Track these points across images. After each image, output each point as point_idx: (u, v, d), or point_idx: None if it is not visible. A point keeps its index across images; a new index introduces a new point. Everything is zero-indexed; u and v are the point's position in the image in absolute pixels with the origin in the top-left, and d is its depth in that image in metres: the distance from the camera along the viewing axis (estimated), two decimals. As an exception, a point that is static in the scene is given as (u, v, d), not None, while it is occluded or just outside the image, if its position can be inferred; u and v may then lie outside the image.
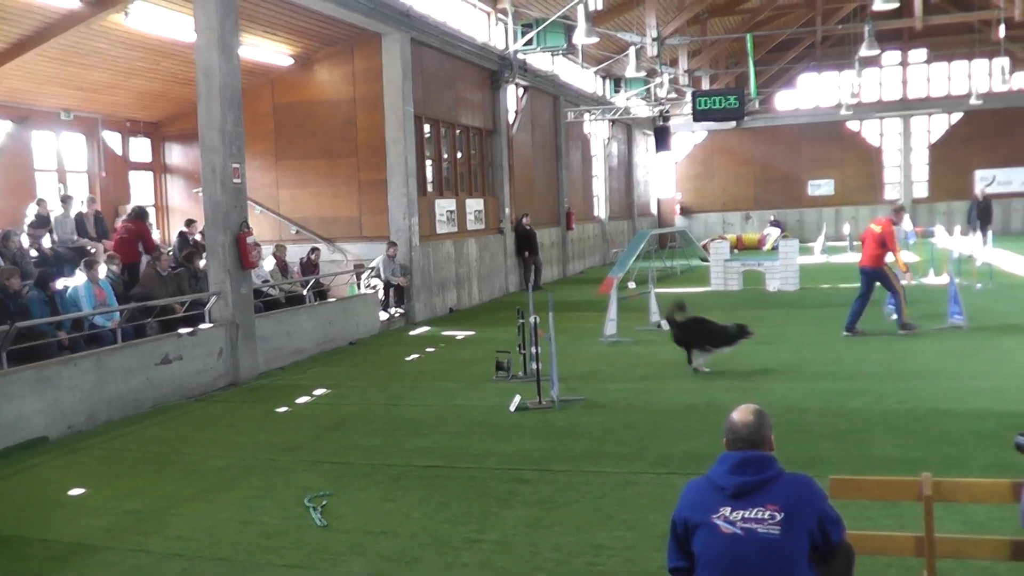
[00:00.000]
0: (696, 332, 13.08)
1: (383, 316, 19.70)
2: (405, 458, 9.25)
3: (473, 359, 15.12)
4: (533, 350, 11.90)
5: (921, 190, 47.78)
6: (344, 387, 13.46)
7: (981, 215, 29.98)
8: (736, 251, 36.47)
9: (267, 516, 7.69)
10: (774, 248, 30.11)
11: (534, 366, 11.75)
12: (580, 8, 22.54)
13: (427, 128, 22.33)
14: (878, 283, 15.95)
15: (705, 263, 28.56)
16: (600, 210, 38.79)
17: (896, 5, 23.16)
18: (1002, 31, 38.07)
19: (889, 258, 15.68)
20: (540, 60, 28.81)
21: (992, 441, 8.98)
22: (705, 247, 30.99)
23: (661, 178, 49.68)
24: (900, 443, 9.12)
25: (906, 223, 37.52)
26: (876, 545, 5.72)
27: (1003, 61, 41.36)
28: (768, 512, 4.02)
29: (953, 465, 8.18)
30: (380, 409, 11.75)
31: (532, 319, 11.92)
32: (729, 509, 4.06)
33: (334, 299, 18.84)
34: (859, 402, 10.94)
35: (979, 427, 9.53)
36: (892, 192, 47.56)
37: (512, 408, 11.15)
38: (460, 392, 12.58)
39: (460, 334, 18.68)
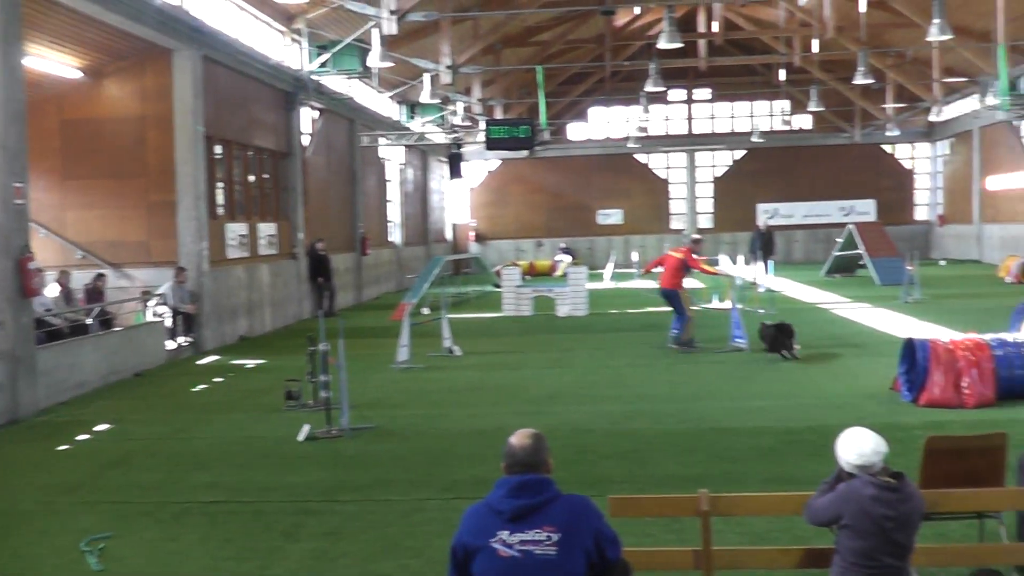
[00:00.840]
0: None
1: (171, 345, 19.00)
2: (189, 494, 8.97)
3: (263, 388, 14.82)
4: (323, 378, 11.77)
5: (706, 221, 50.00)
6: (128, 421, 12.90)
7: (764, 245, 31.57)
8: (528, 277, 37.12)
9: (42, 565, 7.29)
10: (565, 275, 30.81)
11: (324, 394, 11.62)
12: (375, 32, 22.52)
13: (219, 149, 21.81)
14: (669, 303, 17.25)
15: (498, 289, 28.92)
16: (395, 236, 38.77)
17: (680, 45, 24.14)
18: (783, 75, 40.35)
19: (686, 283, 17.21)
20: (336, 83, 28.63)
21: (770, 457, 9.49)
22: (498, 273, 31.40)
23: (456, 205, 50.16)
24: (682, 461, 9.50)
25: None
26: (656, 560, 5.94)
27: (784, 103, 43.94)
28: (545, 534, 4.10)
29: (733, 480, 8.59)
30: (164, 443, 11.36)
31: (322, 346, 11.80)
32: (507, 533, 4.13)
33: (120, 328, 18.01)
34: (642, 423, 11.34)
35: (757, 444, 10.05)
36: (678, 222, 49.53)
37: (301, 438, 10.98)
38: (248, 423, 12.31)
39: (250, 363, 18.27)
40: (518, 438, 4.39)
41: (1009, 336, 12.47)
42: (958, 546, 6.36)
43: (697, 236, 19.05)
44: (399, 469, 9.57)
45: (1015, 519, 6.46)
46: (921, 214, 50.17)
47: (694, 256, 17.59)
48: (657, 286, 17.84)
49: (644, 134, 47.58)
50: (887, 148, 49.48)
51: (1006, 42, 28.05)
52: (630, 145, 47.43)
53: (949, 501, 5.72)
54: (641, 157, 49.81)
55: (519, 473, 4.27)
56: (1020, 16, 31.18)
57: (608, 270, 38.36)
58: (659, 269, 18.27)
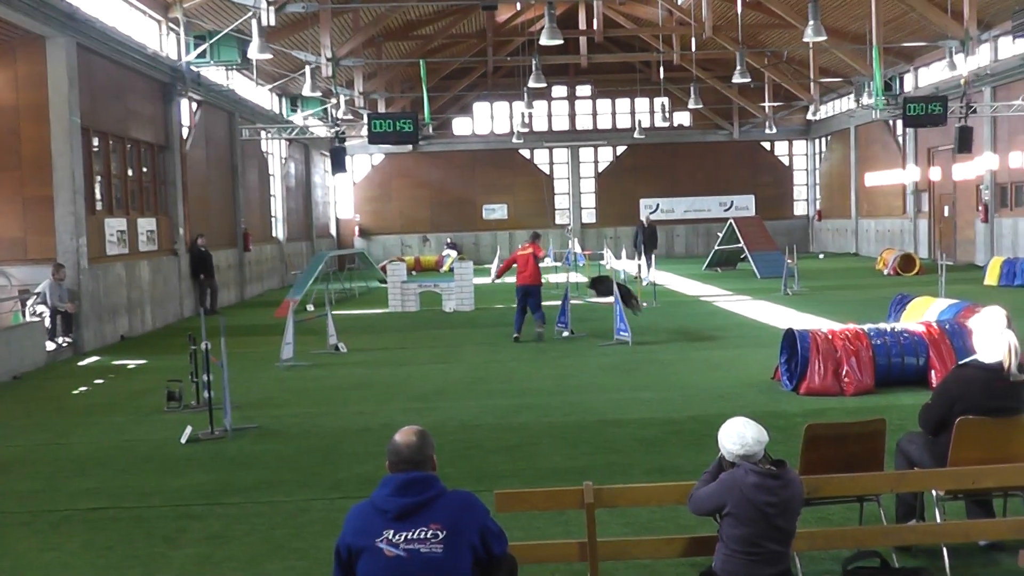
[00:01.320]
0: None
1: (50, 346, 18.34)
2: (68, 502, 8.69)
3: (145, 389, 14.45)
4: (205, 378, 11.55)
5: (590, 216, 50.52)
6: (5, 427, 12.37)
7: (647, 240, 32.08)
8: (414, 273, 37.03)
9: (-93, 578, 7.00)
10: (451, 270, 30.82)
11: (206, 395, 11.40)
12: (254, 23, 22.17)
13: (96, 141, 21.21)
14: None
15: (384, 284, 28.79)
16: (279, 231, 38.24)
17: (560, 42, 24.33)
18: (662, 72, 41.05)
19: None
20: (215, 74, 28.09)
21: (654, 447, 9.66)
22: (383, 269, 31.24)
23: (340, 199, 49.72)
24: (568, 454, 9.60)
25: (575, 246, 39.51)
26: (542, 554, 6.00)
27: (663, 100, 44.73)
28: (431, 531, 4.11)
29: (618, 472, 8.72)
30: (43, 449, 10.96)
31: (204, 345, 11.57)
32: (392, 532, 4.12)
33: (-5, 328, 17.39)
34: (528, 416, 11.42)
35: (642, 435, 10.22)
36: (562, 217, 49.94)
37: (183, 440, 10.75)
38: (129, 426, 11.98)
39: (132, 363, 17.81)
40: (403, 435, 4.38)
41: (887, 326, 12.92)
42: (839, 529, 6.58)
43: (537, 232, 20.37)
44: (284, 469, 9.45)
45: (894, 501, 6.71)
46: (800, 209, 51.59)
47: (540, 248, 19.30)
48: (519, 284, 18.44)
49: (527, 129, 47.84)
50: (766, 145, 50.71)
51: (880, 44, 28.97)
52: (514, 140, 47.66)
53: (830, 486, 5.88)
54: (525, 152, 50.07)
55: (404, 471, 4.27)
56: (893, 19, 32.34)
57: (494, 265, 38.48)
58: (510, 270, 19.54)
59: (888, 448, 6.43)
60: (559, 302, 19.63)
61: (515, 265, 18.74)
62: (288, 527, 7.63)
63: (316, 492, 8.57)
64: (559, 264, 35.14)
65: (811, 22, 23.92)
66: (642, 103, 49.84)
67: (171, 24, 25.52)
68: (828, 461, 6.02)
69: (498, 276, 21.40)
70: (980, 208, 33.22)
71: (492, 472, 8.92)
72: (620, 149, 50.31)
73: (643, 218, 34.36)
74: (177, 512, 8.18)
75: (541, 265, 18.94)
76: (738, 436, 5.20)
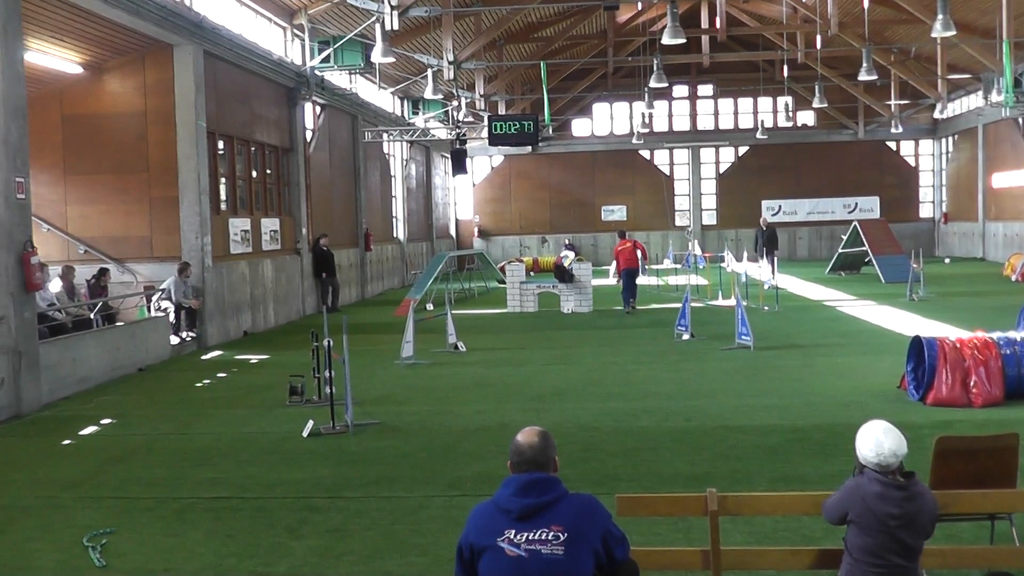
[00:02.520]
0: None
1: (174, 340, 18.92)
2: (191, 490, 8.90)
3: (266, 384, 14.76)
4: (327, 373, 11.71)
5: (710, 217, 49.89)
6: (131, 417, 12.83)
7: (767, 242, 31.54)
8: (533, 274, 37.08)
9: (43, 560, 7.21)
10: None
11: (328, 390, 11.56)
12: (377, 27, 22.48)
13: (221, 144, 21.76)
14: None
15: (503, 285, 28.87)
16: (399, 231, 38.74)
17: (683, 41, 24.08)
18: (785, 71, 40.33)
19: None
20: (338, 78, 28.59)
21: (777, 456, 9.42)
22: (502, 269, 31.34)
23: (460, 200, 50.11)
24: (688, 459, 9.43)
25: (695, 248, 39.10)
26: (664, 560, 5.88)
27: (787, 99, 43.93)
28: (552, 533, 4.05)
29: (739, 479, 8.53)
30: (167, 439, 11.29)
31: (326, 342, 11.73)
32: (514, 532, 4.08)
33: (123, 323, 17.96)
34: (648, 420, 11.27)
35: (764, 442, 9.98)
36: (682, 219, 49.43)
37: (305, 434, 10.93)
38: (252, 419, 12.24)
39: (254, 358, 18.23)
40: (525, 436, 4.33)
41: (1017, 335, 12.39)
42: (969, 547, 6.27)
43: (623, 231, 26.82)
44: (404, 466, 9.51)
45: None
46: (925, 211, 50.04)
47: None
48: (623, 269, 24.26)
49: (648, 130, 47.43)
50: (891, 145, 49.35)
51: (1010, 39, 27.92)
52: (634, 141, 47.34)
53: (960, 502, 5.63)
54: (645, 153, 49.70)
55: (526, 471, 4.22)
56: (1024, 13, 31.11)
57: (612, 267, 38.25)
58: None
59: (1021, 464, 6.14)
60: (679, 304, 19.38)
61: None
62: (408, 523, 7.66)
63: (436, 489, 8.59)
64: (679, 266, 34.71)
65: (940, 16, 23.15)
66: (765, 102, 49.00)
67: (296, 30, 26.07)
68: (959, 476, 5.77)
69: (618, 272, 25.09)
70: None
71: (611, 475, 8.82)
72: (742, 150, 49.55)
73: (762, 220, 33.86)
74: (299, 504, 8.29)
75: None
76: (876, 444, 4.99)
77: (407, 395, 13.49)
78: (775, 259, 30.03)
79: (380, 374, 15.29)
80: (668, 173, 49.97)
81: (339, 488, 8.76)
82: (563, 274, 24.91)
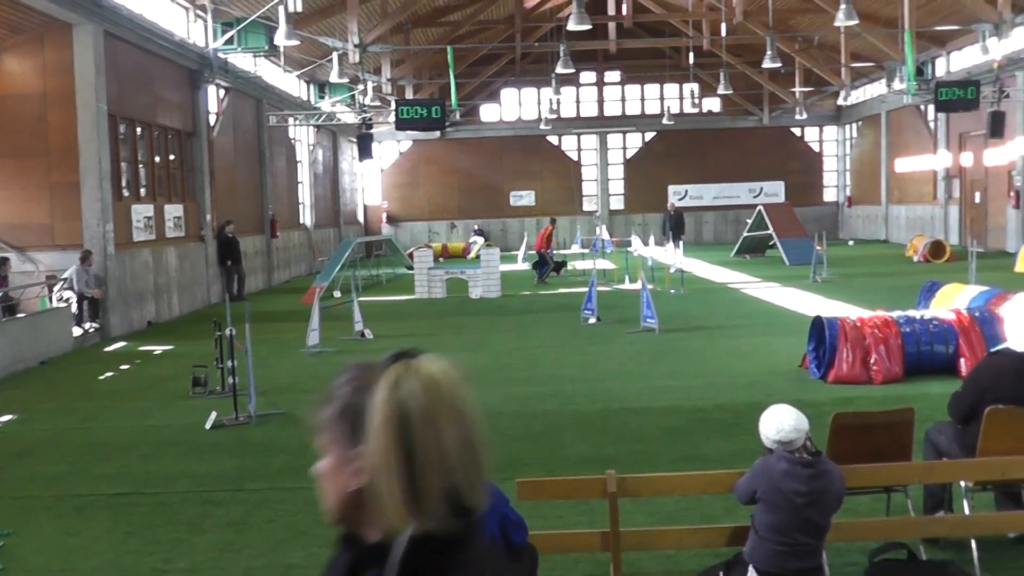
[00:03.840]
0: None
1: (77, 332, 18.40)
2: (92, 486, 8.71)
3: (170, 375, 14.48)
4: (230, 363, 11.53)
5: (618, 202, 50.29)
6: (32, 411, 12.45)
7: (674, 226, 31.95)
8: (442, 259, 37.02)
9: (-68, 558, 7.00)
10: (478, 256, 30.78)
11: (231, 380, 11.39)
12: (281, 9, 22.14)
13: (123, 128, 21.26)
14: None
15: (411, 271, 28.78)
16: (306, 218, 38.31)
17: (588, 27, 24.20)
18: (691, 58, 40.79)
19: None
20: (242, 61, 28.11)
21: (680, 436, 9.58)
22: (410, 255, 31.23)
23: (368, 186, 49.74)
24: (593, 442, 9.52)
25: (603, 233, 39.36)
26: (564, 543, 5.93)
27: (693, 86, 44.45)
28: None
29: (644, 460, 8.64)
30: (69, 434, 11.01)
31: (229, 331, 11.55)
32: None
33: (24, 315, 17.43)
34: (553, 404, 11.36)
35: (668, 423, 10.13)
36: (590, 204, 49.78)
37: (207, 426, 10.75)
38: (155, 411, 12.01)
39: (158, 349, 17.87)
40: None
41: (916, 313, 12.74)
42: (866, 520, 6.43)
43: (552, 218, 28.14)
44: (307, 455, 9.20)
45: (922, 493, 6.59)
46: (830, 196, 51.14)
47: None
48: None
49: (556, 116, 47.62)
50: (796, 131, 50.29)
51: (912, 28, 28.62)
52: (542, 127, 47.49)
53: (857, 476, 5.78)
54: (553, 139, 49.90)
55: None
56: (926, 3, 31.89)
57: (521, 252, 38.39)
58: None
59: (917, 438, 6.31)
60: (586, 289, 19.53)
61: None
62: (310, 513, 7.59)
63: (339, 479, 8.51)
64: (587, 251, 34.98)
65: (843, 6, 23.65)
66: (671, 89, 49.48)
67: (198, 11, 25.55)
68: (855, 451, 5.92)
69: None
70: (1012, 194, 32.78)
71: (516, 460, 8.85)
72: (649, 135, 50.01)
73: (670, 205, 34.29)
74: (200, 498, 8.17)
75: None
76: (776, 422, 5.14)
77: (312, 384, 13.33)
78: (681, 243, 30.42)
79: (285, 363, 15.11)
80: (576, 159, 50.25)
81: (241, 480, 8.66)
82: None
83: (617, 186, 50.39)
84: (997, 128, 28.59)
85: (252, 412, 10.98)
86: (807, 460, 5.06)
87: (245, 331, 11.25)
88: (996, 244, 34.21)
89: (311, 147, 38.76)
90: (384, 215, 49.31)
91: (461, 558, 1.87)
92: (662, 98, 49.57)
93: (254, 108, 30.99)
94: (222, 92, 27.88)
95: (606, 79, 50.09)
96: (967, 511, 6.15)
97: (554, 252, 29.59)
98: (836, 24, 24.99)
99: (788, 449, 5.08)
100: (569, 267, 30.65)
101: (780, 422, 5.13)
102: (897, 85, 34.96)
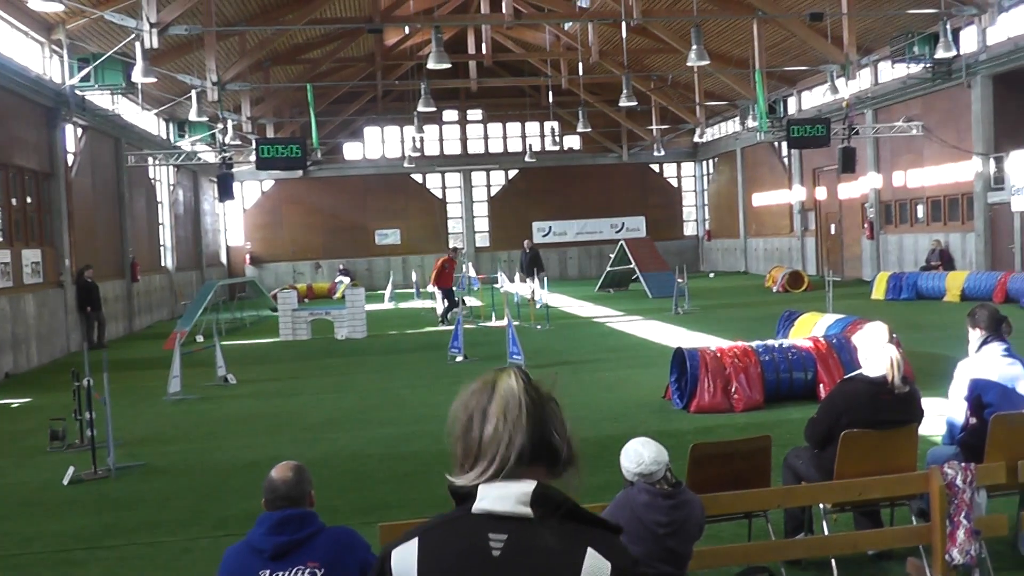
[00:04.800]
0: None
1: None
2: (-62, 549, 8.36)
3: (28, 430, 13.89)
4: (88, 415, 11.20)
5: (483, 239, 50.63)
6: None
7: (531, 263, 32.38)
8: (307, 300, 36.63)
9: None
10: (343, 297, 30.61)
11: (90, 433, 11.05)
12: (137, 45, 21.72)
13: (-25, 170, 20.54)
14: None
15: (275, 313, 28.41)
16: (168, 260, 37.43)
17: (448, 66, 24.44)
18: (551, 96, 41.50)
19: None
20: (100, 99, 27.40)
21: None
22: (275, 297, 30.83)
23: (230, 227, 48.95)
24: (459, 482, 9.52)
25: (469, 270, 39.55)
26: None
27: (553, 124, 45.22)
28: (309, 570, 4.02)
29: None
30: (-87, 492, 10.53)
31: (87, 381, 11.22)
32: (268, 572, 4.02)
33: None
34: (419, 444, 11.34)
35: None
36: (455, 241, 49.96)
37: (65, 482, 10.38)
38: (9, 469, 11.52)
39: (15, 402, 17.14)
40: (279, 471, 4.31)
41: (775, 342, 13.20)
42: (728, 547, 6.60)
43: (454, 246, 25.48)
44: (168, 508, 9.22)
45: (783, 517, 6.84)
46: (690, 230, 52.52)
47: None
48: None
49: (419, 154, 47.80)
50: (654, 167, 51.51)
51: (762, 69, 29.71)
52: (406, 165, 47.55)
53: (717, 504, 5.96)
54: (417, 177, 50.01)
55: (280, 508, 4.19)
56: (775, 44, 33.22)
57: (388, 291, 38.28)
58: None
59: (776, 463, 6.55)
60: (452, 327, 19.59)
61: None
62: (172, 568, 7.45)
63: (201, 530, 8.38)
64: (454, 288, 35.06)
65: (694, 47, 24.44)
66: (532, 127, 50.23)
67: (54, 46, 24.85)
68: (715, 479, 6.10)
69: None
70: (866, 225, 34.26)
71: (381, 503, 8.84)
72: (512, 173, 50.58)
73: (526, 243, 34.85)
74: (57, 559, 7.90)
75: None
76: (635, 455, 5.26)
77: (174, 433, 13.07)
78: (544, 278, 30.80)
79: (146, 412, 14.74)
80: (441, 196, 50.46)
81: (100, 537, 8.41)
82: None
83: (482, 223, 50.77)
84: (848, 163, 29.88)
85: (111, 465, 10.66)
86: (667, 491, 5.19)
87: (103, 380, 10.95)
88: (853, 273, 35.67)
89: (171, 187, 37.95)
90: (247, 256, 48.55)
91: None
92: (524, 136, 50.29)
93: (113, 148, 30.25)
94: (80, 131, 27.15)
95: (469, 117, 50.53)
96: (826, 532, 6.42)
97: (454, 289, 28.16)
98: (689, 64, 25.76)
99: (649, 481, 5.21)
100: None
101: (640, 455, 5.26)
102: (750, 123, 36.24)
